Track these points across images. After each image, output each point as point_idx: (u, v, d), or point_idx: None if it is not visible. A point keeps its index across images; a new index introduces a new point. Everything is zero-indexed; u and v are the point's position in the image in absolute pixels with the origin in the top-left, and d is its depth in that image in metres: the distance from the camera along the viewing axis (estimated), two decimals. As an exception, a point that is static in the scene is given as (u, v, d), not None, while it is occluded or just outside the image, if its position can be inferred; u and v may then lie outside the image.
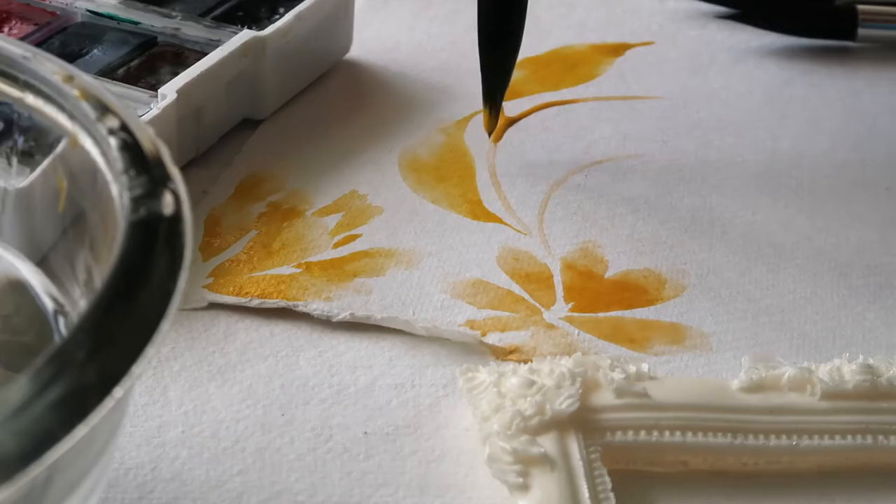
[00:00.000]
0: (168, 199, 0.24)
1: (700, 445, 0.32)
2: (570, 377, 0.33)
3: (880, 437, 0.33)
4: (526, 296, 0.38)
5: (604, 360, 0.34)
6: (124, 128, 0.25)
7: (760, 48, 0.52)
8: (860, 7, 0.52)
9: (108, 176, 0.25)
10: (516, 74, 0.50)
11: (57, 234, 0.28)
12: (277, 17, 0.46)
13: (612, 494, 0.31)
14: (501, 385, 0.33)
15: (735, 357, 0.36)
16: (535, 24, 0.53)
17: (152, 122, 0.39)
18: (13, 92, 0.27)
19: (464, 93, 0.48)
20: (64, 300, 0.28)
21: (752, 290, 0.39)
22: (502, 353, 0.36)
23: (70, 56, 0.43)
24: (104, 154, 0.25)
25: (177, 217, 0.24)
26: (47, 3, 0.46)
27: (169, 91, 0.41)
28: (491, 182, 0.43)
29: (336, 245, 0.40)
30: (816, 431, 0.33)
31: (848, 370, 0.34)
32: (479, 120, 0.47)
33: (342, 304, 0.37)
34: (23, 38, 0.43)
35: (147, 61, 0.44)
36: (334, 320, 0.37)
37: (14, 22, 0.45)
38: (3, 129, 0.29)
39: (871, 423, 0.33)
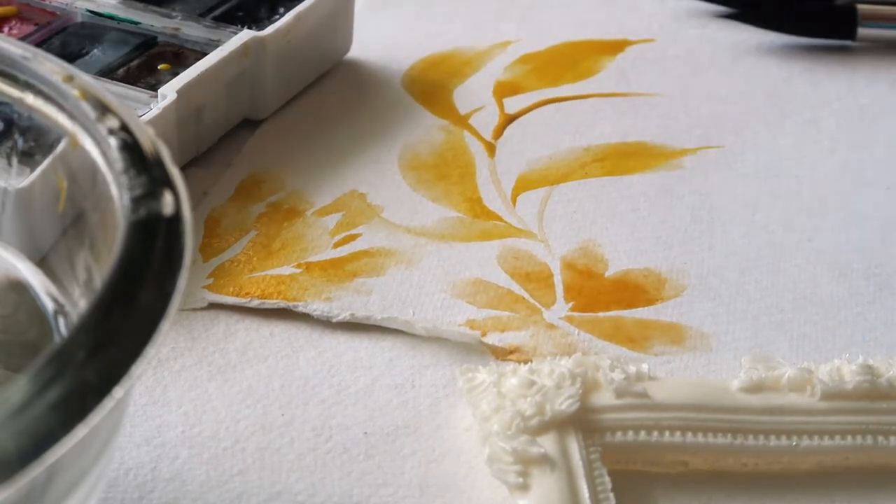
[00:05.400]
0: (168, 199, 0.24)
1: (700, 445, 0.32)
2: (570, 377, 0.33)
3: (880, 438, 0.33)
4: (526, 295, 0.38)
5: (604, 360, 0.34)
6: (124, 128, 0.25)
7: (760, 47, 0.52)
8: (860, 7, 0.52)
9: (108, 176, 0.25)
10: (516, 70, 0.50)
11: (57, 234, 0.28)
12: (277, 17, 0.46)
13: (612, 494, 0.31)
14: (501, 385, 0.33)
15: (735, 357, 0.36)
16: (536, 20, 0.53)
17: (152, 122, 0.39)
18: (13, 92, 0.27)
19: (464, 91, 0.48)
20: (64, 300, 0.28)
21: (751, 291, 0.39)
22: (502, 354, 0.36)
23: (70, 56, 0.43)
24: (104, 154, 0.25)
25: (177, 217, 0.24)
26: (47, 3, 0.46)
27: (169, 91, 0.41)
28: (491, 180, 0.43)
29: (336, 245, 0.40)
30: (816, 432, 0.33)
31: (848, 370, 0.34)
32: (480, 117, 0.47)
33: (342, 304, 0.37)
34: (23, 38, 0.43)
35: (147, 61, 0.44)
36: (334, 321, 0.37)
37: (14, 22, 0.45)
38: (3, 129, 0.29)
39: (871, 424, 0.33)
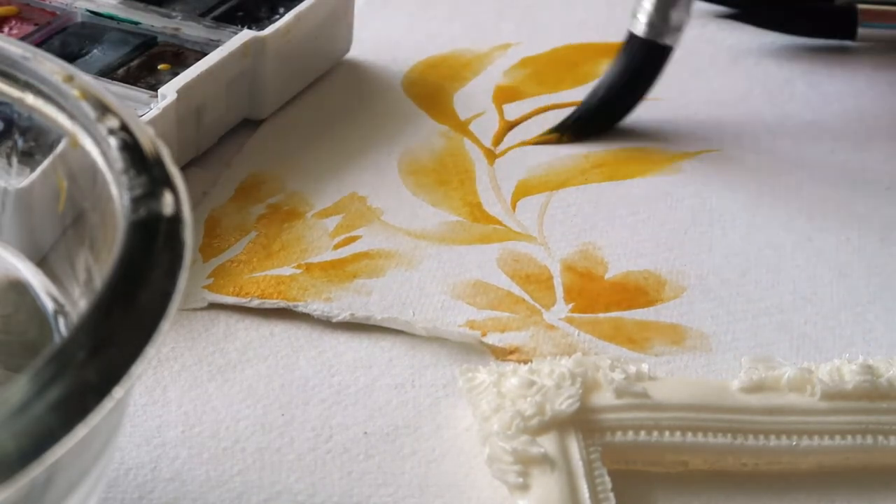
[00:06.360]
0: (168, 199, 0.24)
1: (700, 445, 0.32)
2: (570, 377, 0.33)
3: (880, 438, 0.33)
4: (526, 296, 0.38)
5: (604, 360, 0.34)
6: (124, 128, 0.25)
7: (760, 48, 0.52)
8: (860, 6, 0.52)
9: (108, 176, 0.25)
10: (516, 75, 0.50)
11: (57, 234, 0.28)
12: (277, 17, 0.46)
13: (612, 494, 0.31)
14: (501, 385, 0.33)
15: (735, 358, 0.36)
16: (535, 20, 0.53)
17: (152, 122, 0.39)
18: (13, 92, 0.27)
19: (464, 96, 0.48)
20: (64, 300, 0.28)
21: (751, 291, 0.39)
22: (502, 354, 0.36)
23: (70, 56, 0.43)
24: (104, 154, 0.25)
25: (177, 217, 0.24)
26: (47, 3, 0.46)
27: (169, 91, 0.41)
28: (491, 186, 0.43)
29: (336, 246, 0.40)
30: (816, 432, 0.33)
31: (848, 370, 0.34)
32: (479, 123, 0.47)
33: (342, 304, 0.37)
34: (23, 38, 0.43)
35: (147, 61, 0.44)
36: (334, 321, 0.37)
37: (14, 22, 0.45)
38: (3, 129, 0.29)
39: (871, 424, 0.33)
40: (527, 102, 0.48)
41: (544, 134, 0.46)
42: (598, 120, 0.46)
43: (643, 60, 0.46)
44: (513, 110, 0.48)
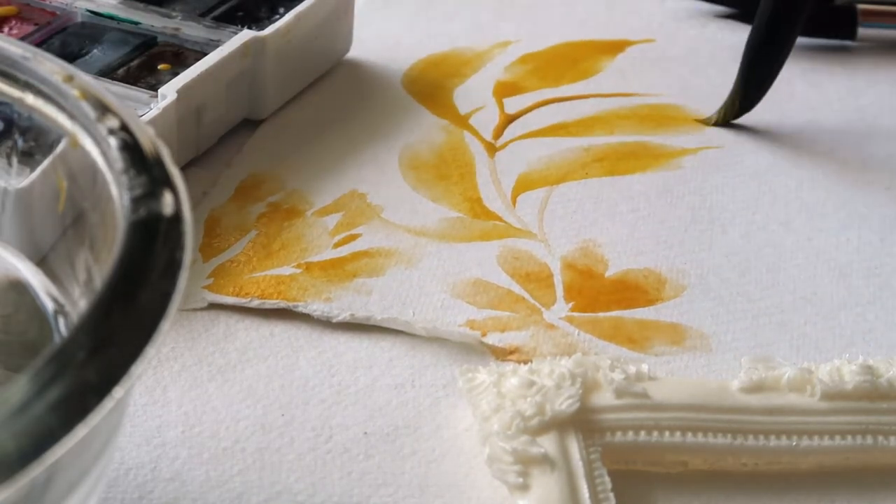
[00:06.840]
0: (168, 199, 0.24)
1: (700, 445, 0.32)
2: (570, 377, 0.33)
3: (880, 438, 0.33)
4: (526, 295, 0.38)
5: (604, 360, 0.34)
6: (124, 128, 0.25)
7: (760, 48, 0.52)
8: (860, 6, 0.52)
9: (108, 176, 0.25)
10: (516, 70, 0.50)
11: (57, 234, 0.28)
12: (277, 17, 0.46)
13: (612, 494, 0.31)
14: (501, 385, 0.33)
15: (735, 358, 0.36)
16: (536, 20, 0.53)
17: (152, 122, 0.39)
18: (13, 92, 0.27)
19: (464, 91, 0.48)
20: (64, 300, 0.28)
21: (751, 291, 0.39)
22: (502, 354, 0.36)
23: (70, 56, 0.43)
24: (104, 154, 0.25)
25: (177, 217, 0.24)
26: (47, 3, 0.46)
27: (169, 91, 0.41)
28: (491, 180, 0.43)
29: (336, 245, 0.40)
30: (816, 432, 0.33)
31: (848, 371, 0.34)
32: (480, 117, 0.47)
33: (342, 304, 0.37)
34: (23, 38, 0.43)
35: (147, 61, 0.44)
36: (334, 321, 0.37)
37: (14, 22, 0.45)
38: (3, 129, 0.29)
39: (871, 424, 0.33)
40: (527, 96, 0.48)
41: (700, 119, 0.46)
42: (753, 87, 0.46)
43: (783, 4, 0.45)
44: (513, 104, 0.48)
